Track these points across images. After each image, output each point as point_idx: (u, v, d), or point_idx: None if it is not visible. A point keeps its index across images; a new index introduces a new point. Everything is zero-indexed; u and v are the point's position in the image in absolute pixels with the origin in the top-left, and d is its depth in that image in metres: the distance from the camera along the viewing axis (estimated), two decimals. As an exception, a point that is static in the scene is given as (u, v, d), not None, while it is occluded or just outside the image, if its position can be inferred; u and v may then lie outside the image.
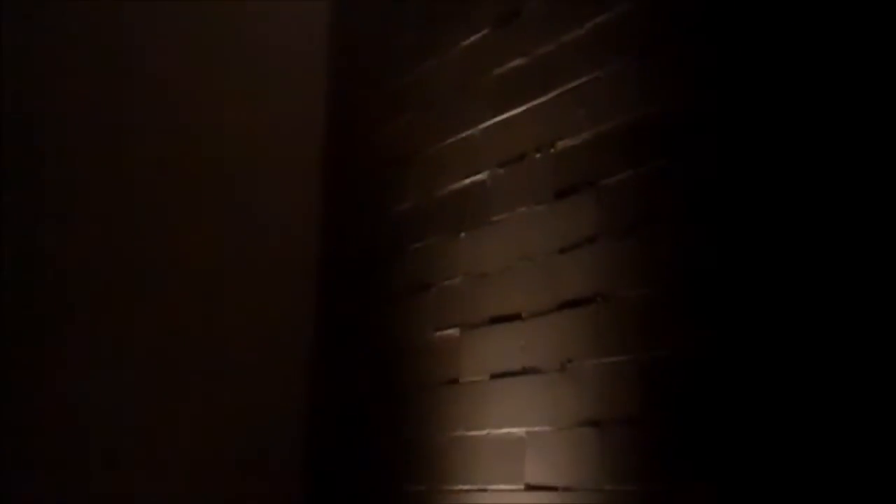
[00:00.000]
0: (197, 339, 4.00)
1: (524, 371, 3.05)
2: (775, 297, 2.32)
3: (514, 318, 3.12)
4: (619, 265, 2.79)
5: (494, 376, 3.18)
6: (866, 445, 2.09)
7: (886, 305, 2.07)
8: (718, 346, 2.45)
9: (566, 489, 2.82)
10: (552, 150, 3.07)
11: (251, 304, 4.10)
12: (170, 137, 4.05)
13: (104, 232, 3.93)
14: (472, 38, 3.50)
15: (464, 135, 3.49)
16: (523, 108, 3.21)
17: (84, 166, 3.92)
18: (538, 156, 3.13)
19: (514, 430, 3.05)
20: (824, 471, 2.17)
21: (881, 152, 2.09)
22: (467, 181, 3.44)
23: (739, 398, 2.37)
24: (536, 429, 2.97)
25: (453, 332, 3.41)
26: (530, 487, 2.95)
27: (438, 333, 3.49)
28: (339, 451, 3.99)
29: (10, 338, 3.74)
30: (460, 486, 3.25)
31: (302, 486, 4.10)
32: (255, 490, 3.97)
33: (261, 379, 4.08)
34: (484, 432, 3.18)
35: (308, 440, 4.14)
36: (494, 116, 3.34)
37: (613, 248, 2.81)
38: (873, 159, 2.12)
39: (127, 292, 3.91)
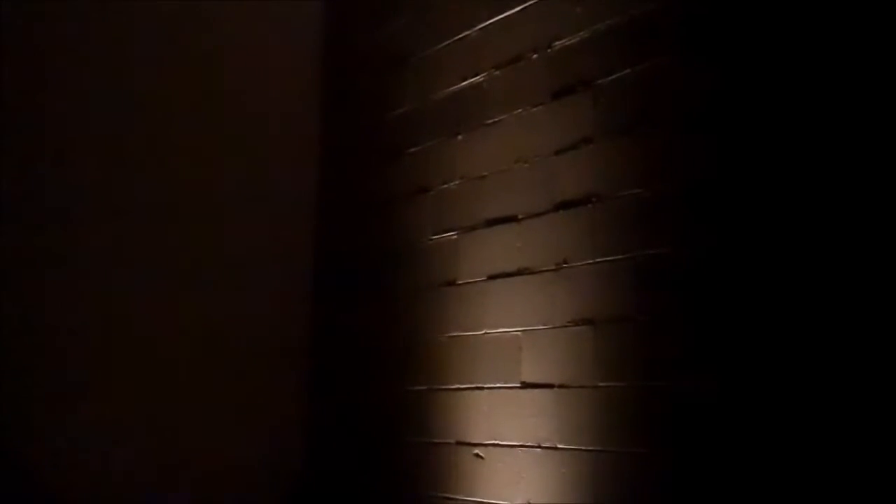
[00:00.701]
0: (203, 253, 4.02)
1: (520, 272, 3.08)
2: (772, 196, 2.34)
3: (510, 219, 3.14)
4: (614, 166, 2.79)
5: (491, 277, 3.21)
6: (857, 344, 2.13)
7: (882, 211, 2.09)
8: (713, 244, 2.48)
9: (561, 386, 2.87)
10: (549, 51, 3.05)
11: (253, 213, 4.11)
12: (172, 55, 4.03)
13: (102, 165, 3.94)
14: (470, -62, 3.45)
15: (461, 36, 3.45)
16: (520, 7, 3.17)
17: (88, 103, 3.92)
18: (535, 56, 3.10)
19: (511, 329, 3.09)
20: (818, 364, 2.21)
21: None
22: (464, 83, 3.42)
23: (735, 295, 2.40)
24: (532, 328, 3.01)
25: (451, 234, 3.43)
26: (526, 385, 3.00)
27: (436, 237, 3.51)
28: (341, 352, 4.04)
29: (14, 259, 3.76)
30: (458, 385, 3.31)
31: (306, 385, 4.17)
32: (265, 384, 4.04)
33: (264, 284, 4.12)
34: (481, 332, 3.22)
35: (312, 342, 4.18)
36: (491, 17, 3.30)
37: (609, 149, 2.82)
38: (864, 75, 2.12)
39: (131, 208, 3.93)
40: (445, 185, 3.47)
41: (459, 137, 3.42)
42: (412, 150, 3.68)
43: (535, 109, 3.08)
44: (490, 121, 3.27)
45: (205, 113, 4.08)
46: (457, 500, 3.24)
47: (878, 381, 2.08)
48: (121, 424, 3.78)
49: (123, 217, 3.91)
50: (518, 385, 3.04)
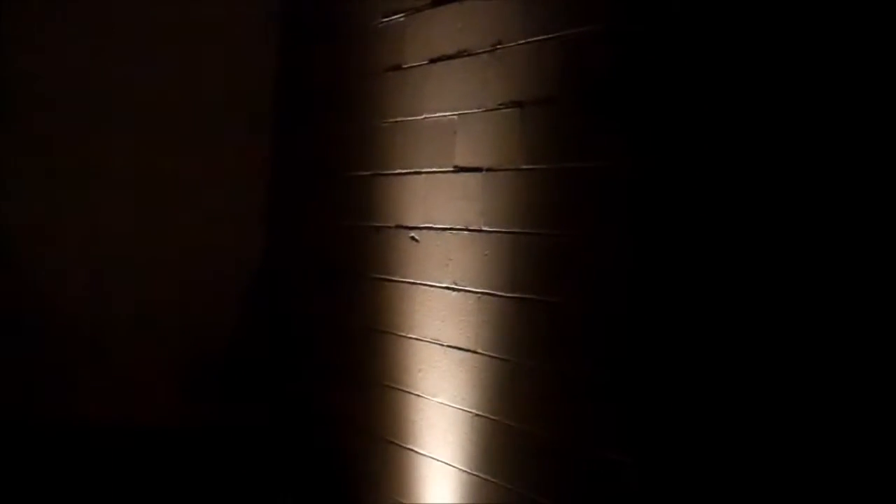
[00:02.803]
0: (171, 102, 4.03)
1: (459, 54, 3.02)
2: None
3: (453, -1, 3.06)
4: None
5: (433, 61, 3.15)
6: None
7: None
8: (641, 28, 2.40)
9: (489, 170, 2.86)
10: None
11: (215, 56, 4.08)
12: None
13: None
14: None
15: None
16: None
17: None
18: None
19: (448, 113, 3.06)
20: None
21: None
22: None
23: (663, 76, 2.34)
24: (467, 112, 2.97)
25: (399, 17, 3.35)
26: (459, 169, 2.99)
27: (385, 19, 3.43)
28: (298, 143, 4.04)
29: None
30: (399, 171, 3.31)
31: (268, 181, 4.20)
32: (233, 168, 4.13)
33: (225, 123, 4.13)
34: (421, 117, 3.20)
35: (273, 136, 4.18)
36: None
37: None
38: None
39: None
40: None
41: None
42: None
43: None
44: None
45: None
46: (393, 280, 3.30)
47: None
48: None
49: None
50: (451, 169, 3.03)
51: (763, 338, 2.02)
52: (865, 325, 1.82)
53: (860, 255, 1.84)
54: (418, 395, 3.13)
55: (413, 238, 3.20)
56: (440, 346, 3.02)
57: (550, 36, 2.65)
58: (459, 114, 3.00)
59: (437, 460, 3.00)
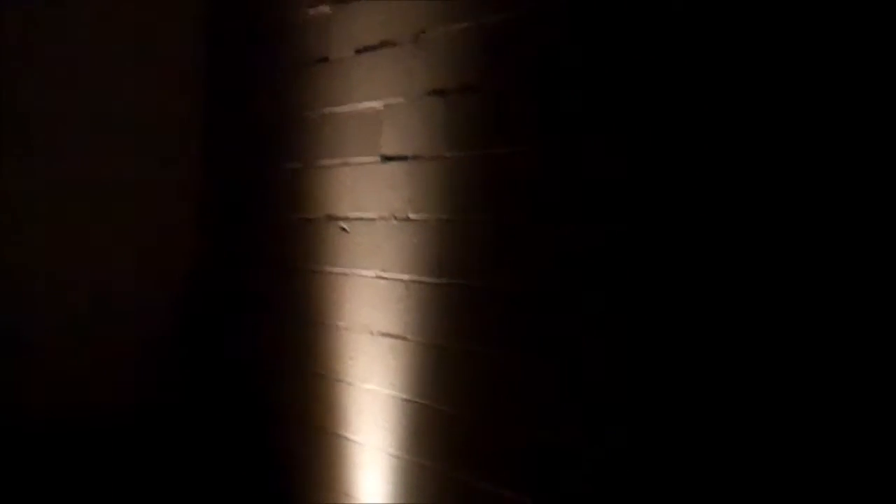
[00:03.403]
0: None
1: (383, 44, 3.05)
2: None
3: (376, -10, 3.08)
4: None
5: (358, 52, 3.18)
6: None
7: None
8: (560, 8, 2.44)
9: (414, 157, 2.89)
10: None
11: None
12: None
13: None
14: None
15: None
16: None
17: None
18: None
19: (373, 103, 3.08)
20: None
21: None
22: None
23: (585, 64, 2.39)
24: (392, 101, 3.00)
25: (324, 8, 3.37)
26: (385, 158, 3.02)
27: (312, 10, 3.44)
28: (229, 130, 4.04)
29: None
30: (328, 162, 3.33)
31: (198, 169, 4.19)
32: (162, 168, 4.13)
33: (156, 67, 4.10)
34: (348, 108, 3.22)
35: (203, 127, 4.18)
36: None
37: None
38: None
39: None
40: (320, -42, 3.38)
41: None
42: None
43: None
44: None
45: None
46: (324, 271, 3.32)
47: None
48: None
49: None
50: (378, 158, 3.06)
51: (690, 312, 2.08)
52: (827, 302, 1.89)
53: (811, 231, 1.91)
54: (349, 383, 3.15)
55: (343, 228, 3.23)
56: (370, 334, 3.05)
57: (472, 23, 2.70)
58: (385, 103, 3.03)
59: (369, 446, 3.03)
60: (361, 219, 3.13)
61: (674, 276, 2.11)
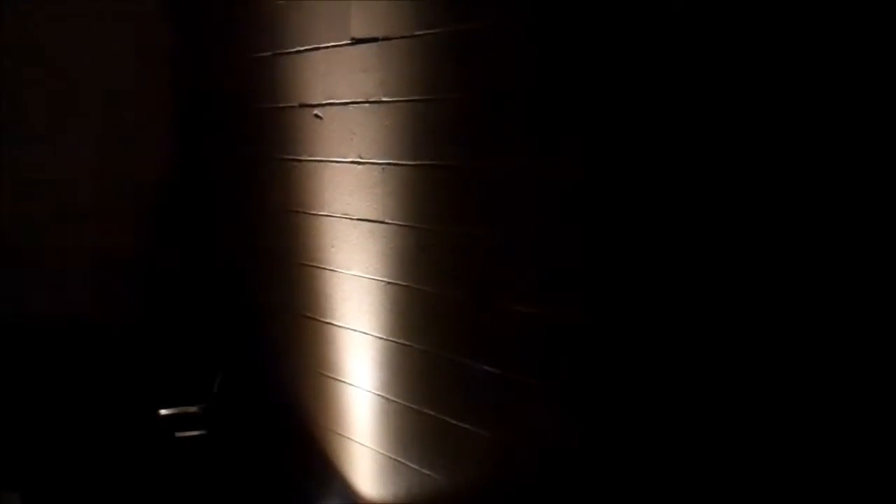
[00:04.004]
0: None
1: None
2: None
3: None
4: None
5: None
6: None
7: None
8: None
9: (385, 39, 2.84)
10: None
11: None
12: None
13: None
14: None
15: None
16: None
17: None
18: None
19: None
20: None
21: None
22: None
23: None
24: (359, -18, 2.94)
25: None
26: (356, 41, 2.97)
27: None
28: (196, 25, 3.97)
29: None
30: (297, 48, 3.27)
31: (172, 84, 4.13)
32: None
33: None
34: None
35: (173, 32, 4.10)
36: None
37: None
38: None
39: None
40: None
41: None
42: None
43: None
44: None
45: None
46: (300, 159, 3.30)
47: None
48: None
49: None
50: (349, 41, 3.01)
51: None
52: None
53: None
54: (333, 270, 3.17)
55: (317, 115, 3.20)
56: (350, 220, 3.05)
57: None
58: (353, -16, 2.97)
59: (355, 330, 3.07)
60: (335, 104, 3.10)
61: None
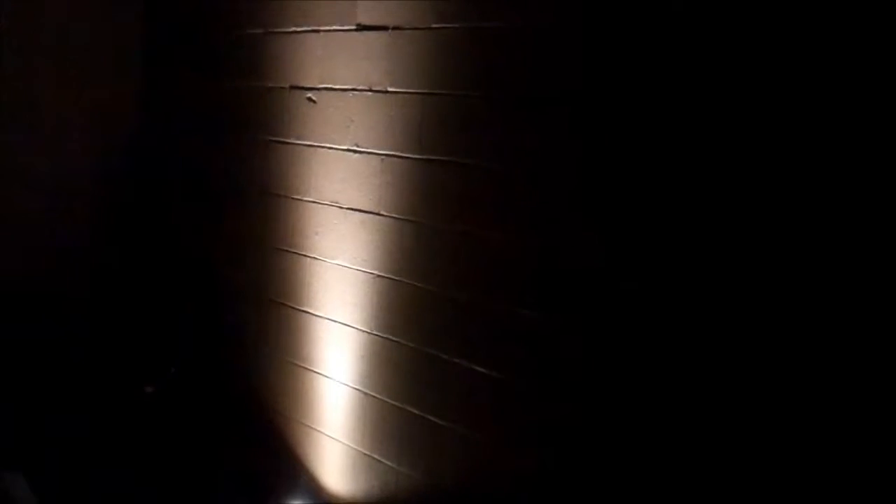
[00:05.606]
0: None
1: None
2: None
3: None
4: None
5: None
6: None
7: None
8: None
9: (395, 28, 2.80)
10: None
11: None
12: None
13: None
14: None
15: None
16: None
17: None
18: None
19: (350, -31, 2.96)
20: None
21: None
22: None
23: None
24: (372, -33, 2.89)
25: None
26: (362, 27, 2.91)
27: None
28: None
29: None
30: (293, 28, 3.20)
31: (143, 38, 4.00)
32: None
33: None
34: (320, -28, 3.09)
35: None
36: None
37: None
38: None
39: None
40: None
41: None
42: None
43: None
44: None
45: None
46: (288, 143, 3.22)
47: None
48: None
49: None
50: (353, 27, 2.95)
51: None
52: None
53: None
54: (314, 258, 3.10)
55: (310, 99, 3.13)
56: (340, 209, 2.99)
57: None
58: (363, -31, 2.92)
59: (334, 321, 3.01)
60: (332, 89, 3.04)
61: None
